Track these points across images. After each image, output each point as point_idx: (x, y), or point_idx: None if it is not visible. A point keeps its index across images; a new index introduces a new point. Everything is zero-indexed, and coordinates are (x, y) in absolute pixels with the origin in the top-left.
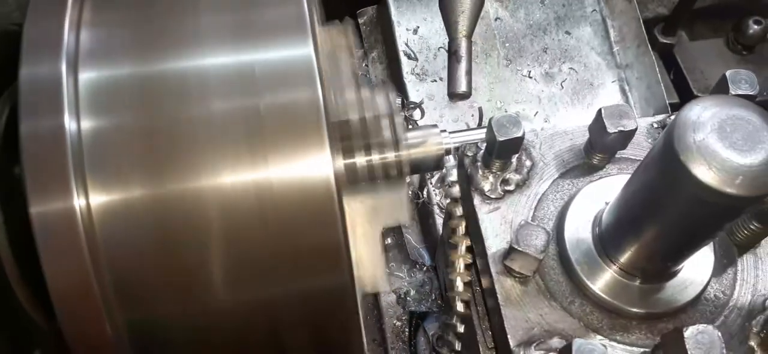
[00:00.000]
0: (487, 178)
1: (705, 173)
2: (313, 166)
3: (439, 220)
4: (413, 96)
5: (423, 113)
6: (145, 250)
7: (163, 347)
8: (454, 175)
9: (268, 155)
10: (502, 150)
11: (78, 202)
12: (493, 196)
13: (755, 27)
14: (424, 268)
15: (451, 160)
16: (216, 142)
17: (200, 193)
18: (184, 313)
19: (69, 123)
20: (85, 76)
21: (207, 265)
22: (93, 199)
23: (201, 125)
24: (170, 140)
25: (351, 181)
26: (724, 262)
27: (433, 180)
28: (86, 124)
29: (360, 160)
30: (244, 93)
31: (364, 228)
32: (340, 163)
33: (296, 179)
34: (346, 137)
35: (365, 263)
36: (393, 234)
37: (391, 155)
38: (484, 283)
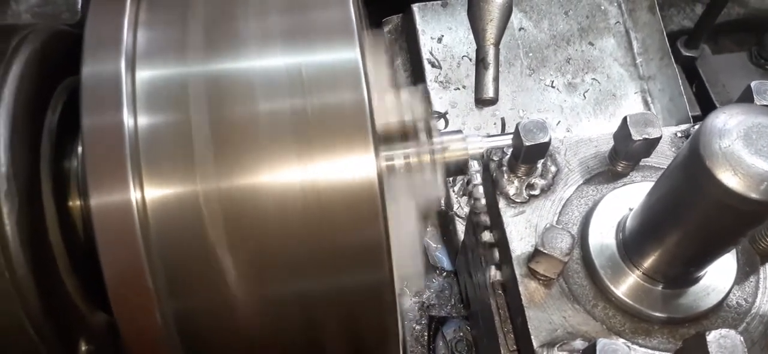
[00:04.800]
0: (513, 183)
1: (730, 178)
2: (358, 166)
3: (460, 226)
4: (436, 103)
5: (447, 123)
6: (194, 242)
7: (205, 337)
8: (478, 180)
9: (315, 155)
10: (529, 155)
11: (134, 195)
12: (518, 200)
13: None
14: (444, 274)
15: (474, 166)
16: (264, 141)
17: (248, 190)
18: (227, 305)
19: (127, 119)
20: (142, 74)
21: (252, 260)
22: (148, 193)
23: (250, 124)
24: (219, 138)
25: (390, 181)
26: (747, 270)
27: (456, 188)
28: (142, 120)
29: (399, 161)
30: (292, 94)
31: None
32: (383, 164)
33: (341, 179)
34: (386, 139)
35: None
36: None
37: (426, 158)
38: (508, 285)
